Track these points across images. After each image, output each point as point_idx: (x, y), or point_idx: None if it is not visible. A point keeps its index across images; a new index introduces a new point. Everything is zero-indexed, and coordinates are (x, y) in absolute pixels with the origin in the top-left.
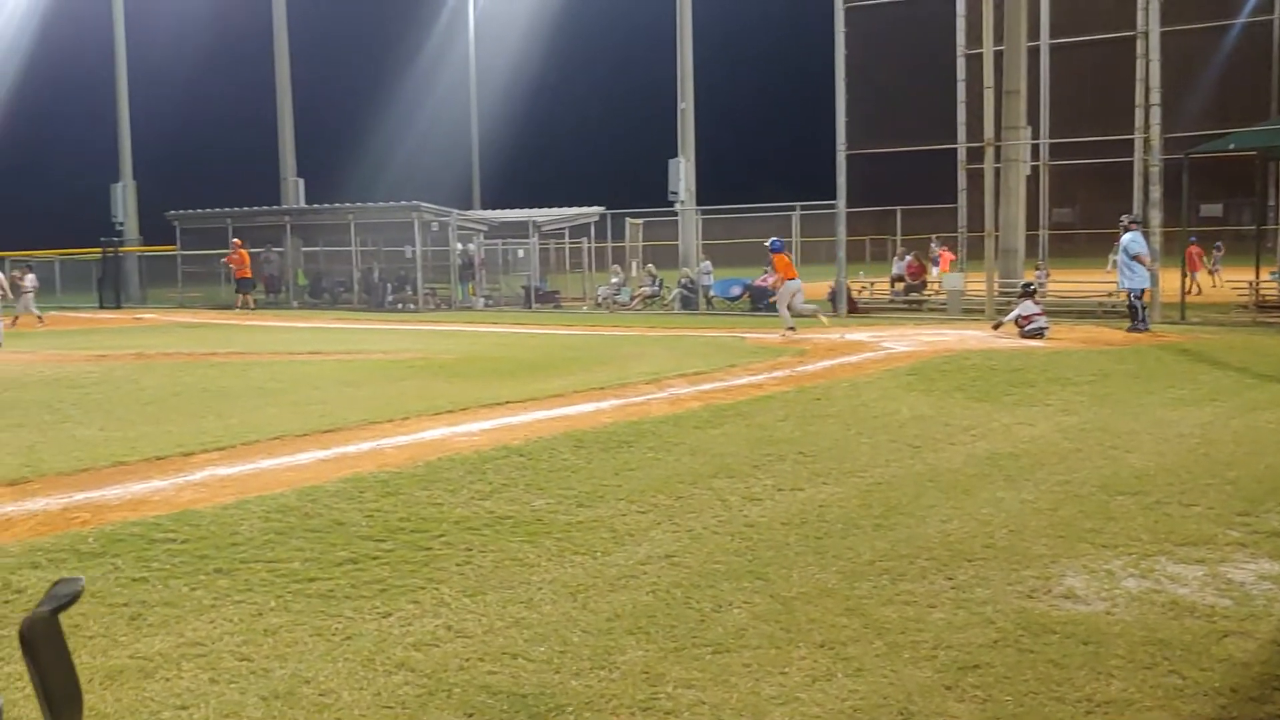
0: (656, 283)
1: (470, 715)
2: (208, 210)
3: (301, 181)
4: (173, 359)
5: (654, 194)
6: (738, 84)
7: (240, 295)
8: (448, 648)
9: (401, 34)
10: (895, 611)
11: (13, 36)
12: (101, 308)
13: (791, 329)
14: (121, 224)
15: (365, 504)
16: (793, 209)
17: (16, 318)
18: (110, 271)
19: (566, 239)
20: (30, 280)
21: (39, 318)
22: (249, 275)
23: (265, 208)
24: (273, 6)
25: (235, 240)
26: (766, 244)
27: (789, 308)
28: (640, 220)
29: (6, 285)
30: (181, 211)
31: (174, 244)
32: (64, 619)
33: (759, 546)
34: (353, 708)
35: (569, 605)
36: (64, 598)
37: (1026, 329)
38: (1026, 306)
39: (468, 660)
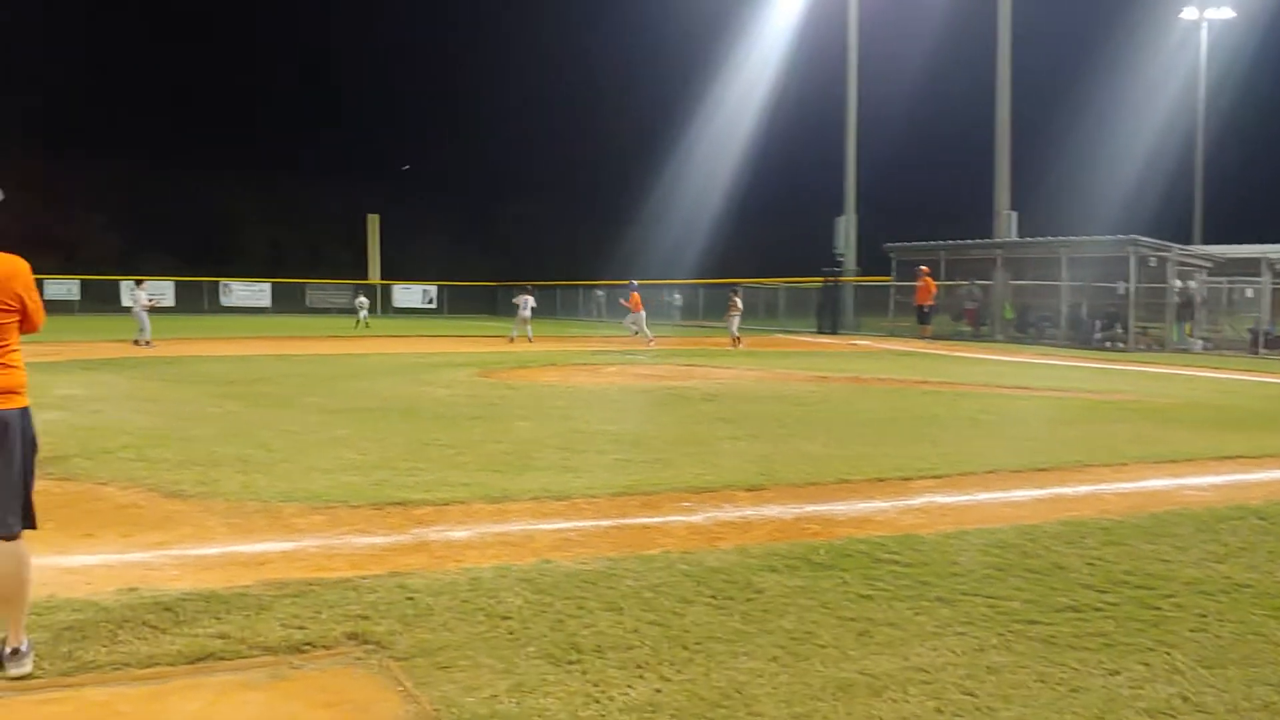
0: None
1: None
2: (921, 243)
3: (1015, 215)
4: (886, 384)
5: None
6: None
7: (922, 326)
8: None
9: (1119, 62)
10: None
11: (757, 88)
12: (819, 333)
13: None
14: (842, 255)
15: (1086, 550)
16: None
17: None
18: (829, 300)
19: None
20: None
21: (528, 339)
22: (931, 304)
23: (977, 241)
24: (996, 44)
25: (922, 268)
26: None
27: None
28: None
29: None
30: (897, 244)
31: (887, 274)
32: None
33: None
34: None
35: None
36: None
37: None
38: None
39: None
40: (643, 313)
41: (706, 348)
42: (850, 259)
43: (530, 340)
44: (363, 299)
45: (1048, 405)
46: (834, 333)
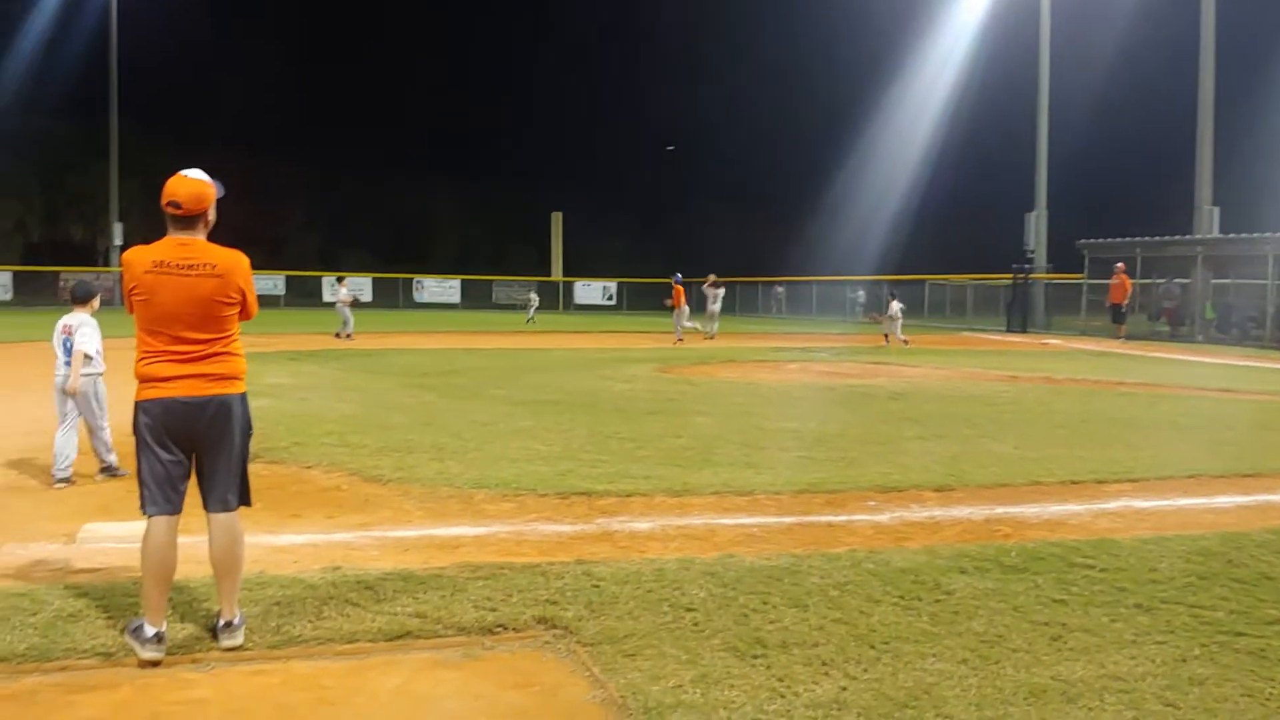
0: None
1: None
2: (1116, 240)
3: (1217, 210)
4: (1080, 385)
5: None
6: None
7: (1117, 325)
8: None
9: None
10: None
11: (943, 80)
12: (1008, 331)
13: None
14: (1032, 252)
15: None
16: None
17: (889, 336)
18: (1019, 297)
19: None
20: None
21: (904, 341)
22: (1127, 303)
23: (1175, 237)
24: (1199, 26)
25: (1118, 265)
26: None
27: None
28: None
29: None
30: (1091, 240)
31: (1079, 272)
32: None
33: None
34: None
35: None
36: None
37: None
38: None
39: None
40: (685, 308)
41: (889, 346)
42: (1041, 255)
43: (711, 336)
44: (533, 295)
45: (1253, 409)
46: (1024, 331)
